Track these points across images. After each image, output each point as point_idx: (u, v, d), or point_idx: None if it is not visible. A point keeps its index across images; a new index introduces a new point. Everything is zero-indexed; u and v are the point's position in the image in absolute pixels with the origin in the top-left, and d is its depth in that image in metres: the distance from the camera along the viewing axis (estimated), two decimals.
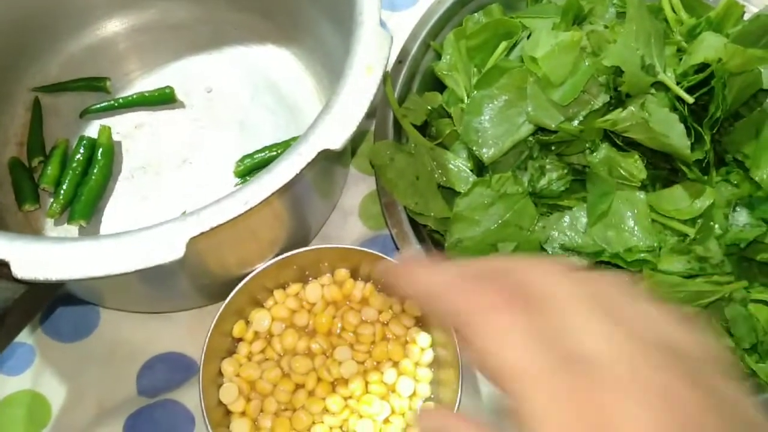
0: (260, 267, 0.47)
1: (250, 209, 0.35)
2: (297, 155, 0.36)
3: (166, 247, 0.34)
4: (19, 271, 0.33)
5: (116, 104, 0.58)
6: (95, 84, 0.58)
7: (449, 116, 0.53)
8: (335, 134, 0.37)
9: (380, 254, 0.48)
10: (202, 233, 0.34)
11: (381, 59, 0.39)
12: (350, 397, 0.48)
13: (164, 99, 0.58)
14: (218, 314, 0.46)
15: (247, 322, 0.50)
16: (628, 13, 0.47)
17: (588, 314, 0.25)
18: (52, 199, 0.54)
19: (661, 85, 0.47)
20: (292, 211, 0.46)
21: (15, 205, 0.54)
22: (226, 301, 0.46)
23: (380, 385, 0.48)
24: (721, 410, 0.23)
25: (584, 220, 0.48)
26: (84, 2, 0.57)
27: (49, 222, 0.54)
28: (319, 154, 0.36)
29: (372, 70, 0.38)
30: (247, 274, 0.47)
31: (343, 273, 0.51)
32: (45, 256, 0.33)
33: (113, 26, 0.60)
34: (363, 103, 0.37)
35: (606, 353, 0.23)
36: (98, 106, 0.57)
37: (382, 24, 0.42)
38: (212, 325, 0.46)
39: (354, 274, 0.51)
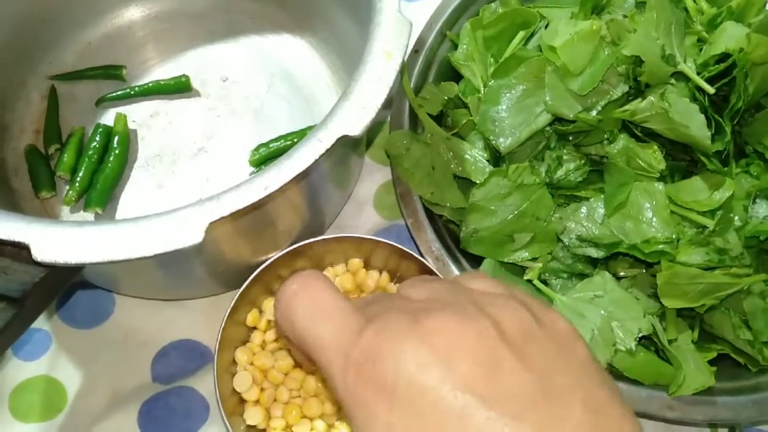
0: (275, 256, 0.47)
1: (270, 194, 0.35)
2: (316, 141, 0.36)
3: (186, 232, 0.34)
4: (39, 254, 0.33)
5: (132, 92, 0.58)
6: (112, 72, 0.58)
7: (465, 106, 0.53)
8: (354, 120, 0.36)
9: (394, 243, 0.48)
10: (222, 218, 0.34)
11: (400, 45, 0.38)
12: None
13: (180, 87, 0.58)
14: (232, 303, 0.46)
15: (261, 311, 0.50)
16: (648, 2, 0.47)
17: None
18: (68, 187, 0.54)
19: (681, 75, 0.46)
20: (309, 200, 0.46)
21: (32, 193, 0.54)
22: (240, 289, 0.46)
23: None
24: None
25: (602, 210, 0.48)
26: None
27: (65, 209, 0.54)
28: (338, 140, 0.36)
29: (391, 56, 0.38)
30: (262, 263, 0.47)
31: (356, 262, 0.51)
32: (64, 240, 0.33)
33: (130, 14, 0.60)
34: (382, 89, 0.37)
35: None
36: (114, 94, 0.57)
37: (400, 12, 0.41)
38: (226, 314, 0.45)
39: (367, 264, 0.51)
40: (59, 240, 0.33)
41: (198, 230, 0.34)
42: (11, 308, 0.35)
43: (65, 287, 0.38)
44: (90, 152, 0.54)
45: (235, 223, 0.36)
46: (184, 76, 0.58)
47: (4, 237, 0.33)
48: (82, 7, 0.58)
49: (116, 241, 0.33)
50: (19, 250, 0.34)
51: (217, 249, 0.44)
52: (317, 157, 0.36)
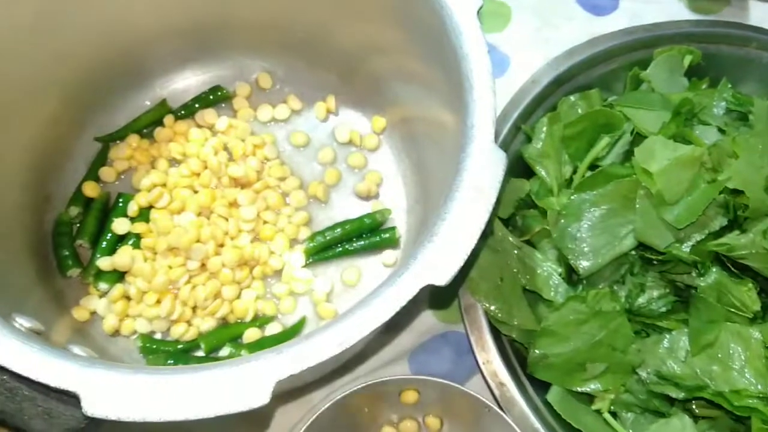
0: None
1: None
2: (396, 291, 0.33)
3: (251, 391, 0.30)
4: (90, 407, 0.30)
5: None
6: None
7: (536, 206, 0.50)
8: (441, 268, 0.33)
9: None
10: (291, 376, 0.31)
11: (494, 181, 0.35)
12: None
13: None
14: None
15: None
16: (755, 126, 0.43)
17: None
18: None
19: None
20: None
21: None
22: None
23: None
24: None
25: (685, 346, 0.44)
26: (158, 54, 0.54)
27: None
28: (421, 290, 0.33)
29: (483, 193, 0.34)
30: None
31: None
32: (118, 392, 0.30)
33: (184, 78, 0.57)
34: (473, 232, 0.33)
35: None
36: None
37: None
38: None
39: None
40: (113, 392, 0.30)
41: (265, 390, 0.30)
42: None
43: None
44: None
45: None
46: None
47: (54, 384, 0.30)
48: (136, 72, 0.54)
49: (175, 397, 0.30)
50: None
51: None
52: (398, 309, 0.32)
